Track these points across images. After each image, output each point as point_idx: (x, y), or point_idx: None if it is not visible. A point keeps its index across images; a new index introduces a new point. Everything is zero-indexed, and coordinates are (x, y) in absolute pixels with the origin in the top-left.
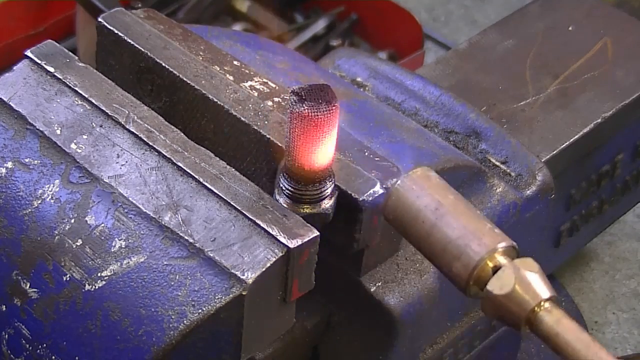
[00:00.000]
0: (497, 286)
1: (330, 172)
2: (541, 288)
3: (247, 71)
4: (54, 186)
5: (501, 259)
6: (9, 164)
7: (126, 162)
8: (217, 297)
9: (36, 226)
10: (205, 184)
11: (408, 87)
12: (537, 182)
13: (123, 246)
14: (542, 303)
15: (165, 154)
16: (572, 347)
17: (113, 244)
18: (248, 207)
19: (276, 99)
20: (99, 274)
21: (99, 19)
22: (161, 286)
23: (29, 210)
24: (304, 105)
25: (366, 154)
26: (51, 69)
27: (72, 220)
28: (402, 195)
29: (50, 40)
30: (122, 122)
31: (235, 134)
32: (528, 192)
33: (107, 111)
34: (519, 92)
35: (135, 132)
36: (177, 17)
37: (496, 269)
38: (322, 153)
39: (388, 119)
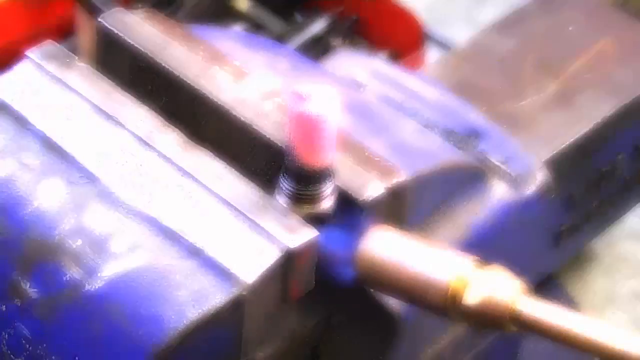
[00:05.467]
0: (469, 302)
1: (330, 172)
2: (511, 286)
3: (247, 71)
4: (54, 186)
5: (466, 275)
6: (9, 164)
7: (126, 162)
8: (217, 297)
9: (36, 226)
10: (206, 184)
11: (408, 87)
12: (537, 182)
13: (123, 246)
14: (515, 301)
15: (166, 154)
16: (556, 326)
17: (113, 244)
18: (248, 207)
19: (276, 99)
20: (99, 274)
21: (99, 19)
22: (161, 286)
23: (29, 210)
24: (304, 106)
25: (366, 154)
26: (51, 69)
27: (72, 220)
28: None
29: (50, 40)
30: (122, 122)
31: (235, 134)
32: (528, 192)
33: (107, 111)
34: (519, 92)
35: (135, 132)
36: (177, 17)
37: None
38: (322, 153)
39: (388, 119)
